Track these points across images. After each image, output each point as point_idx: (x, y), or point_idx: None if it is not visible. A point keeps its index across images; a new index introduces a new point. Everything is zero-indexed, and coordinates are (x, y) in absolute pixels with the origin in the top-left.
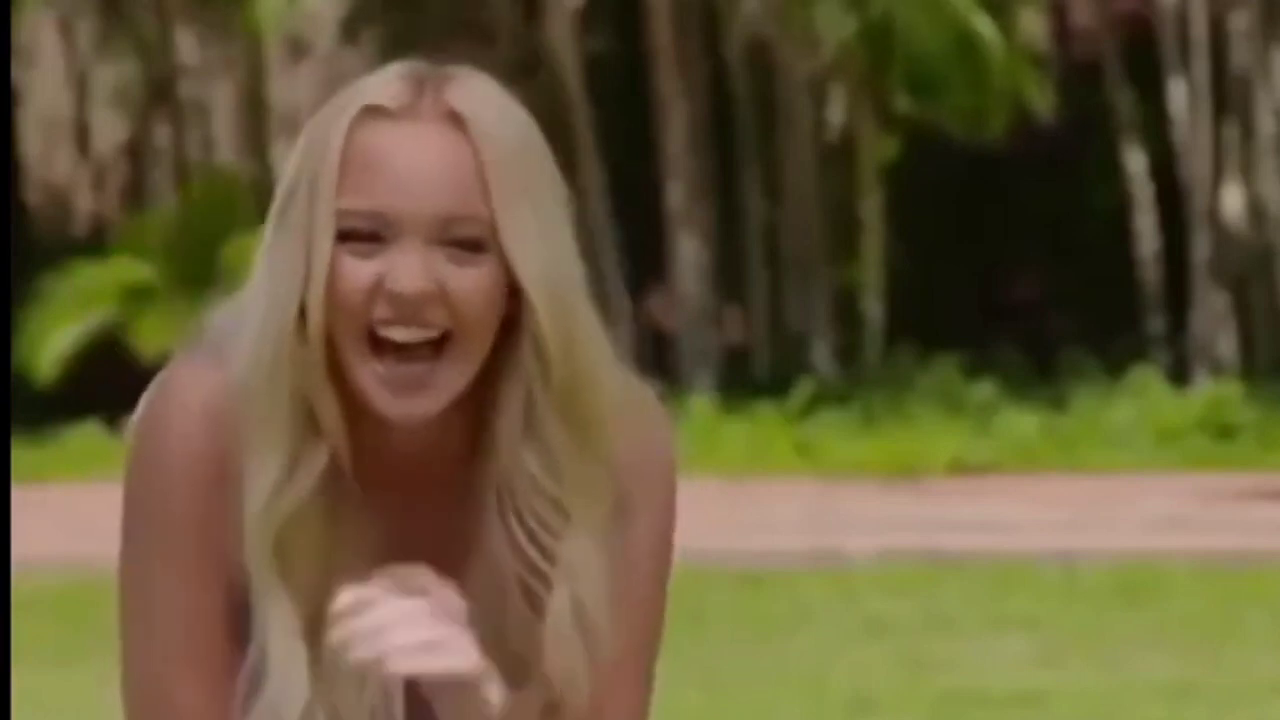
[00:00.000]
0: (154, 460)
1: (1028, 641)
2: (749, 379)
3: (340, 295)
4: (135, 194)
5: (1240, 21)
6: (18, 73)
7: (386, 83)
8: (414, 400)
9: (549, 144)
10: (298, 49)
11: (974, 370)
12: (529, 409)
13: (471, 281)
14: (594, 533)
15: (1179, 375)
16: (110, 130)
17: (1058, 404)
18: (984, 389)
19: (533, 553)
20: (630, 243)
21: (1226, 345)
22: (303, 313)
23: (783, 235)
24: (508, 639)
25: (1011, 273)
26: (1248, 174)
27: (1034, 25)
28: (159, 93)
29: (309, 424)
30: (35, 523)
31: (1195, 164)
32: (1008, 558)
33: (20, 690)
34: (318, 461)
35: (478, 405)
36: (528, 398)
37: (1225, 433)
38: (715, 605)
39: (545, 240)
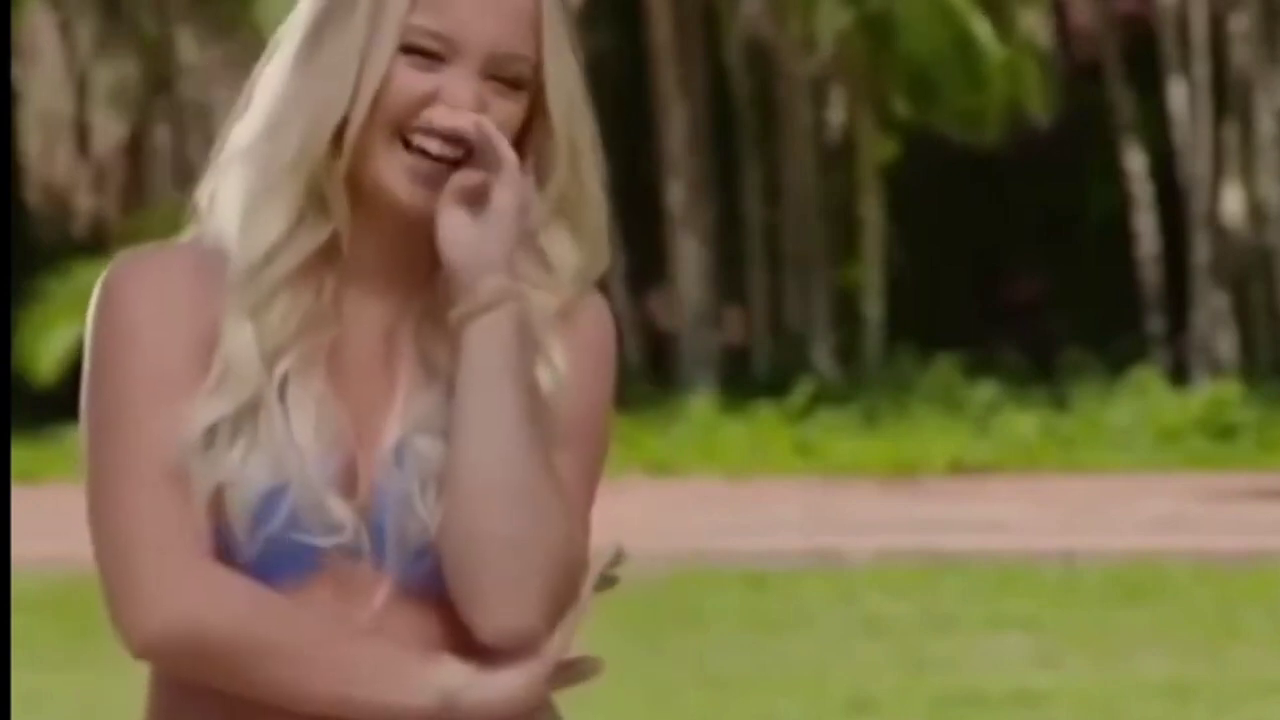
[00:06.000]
0: (118, 308)
1: (1027, 641)
2: (749, 379)
3: (390, 101)
4: (135, 194)
5: (1240, 22)
6: (18, 72)
7: None
8: (433, 194)
9: None
10: None
11: (974, 370)
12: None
13: (507, 111)
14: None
15: (1179, 375)
16: (110, 130)
17: (1058, 404)
18: (984, 389)
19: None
20: (630, 243)
21: (1226, 345)
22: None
23: (783, 235)
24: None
25: (1011, 273)
26: (1248, 174)
27: (1035, 26)
28: (159, 93)
29: (317, 205)
30: (35, 523)
31: (1195, 164)
32: (1007, 558)
33: (20, 690)
34: (320, 234)
35: None
36: None
37: (1225, 433)
38: (715, 605)
39: (576, 86)
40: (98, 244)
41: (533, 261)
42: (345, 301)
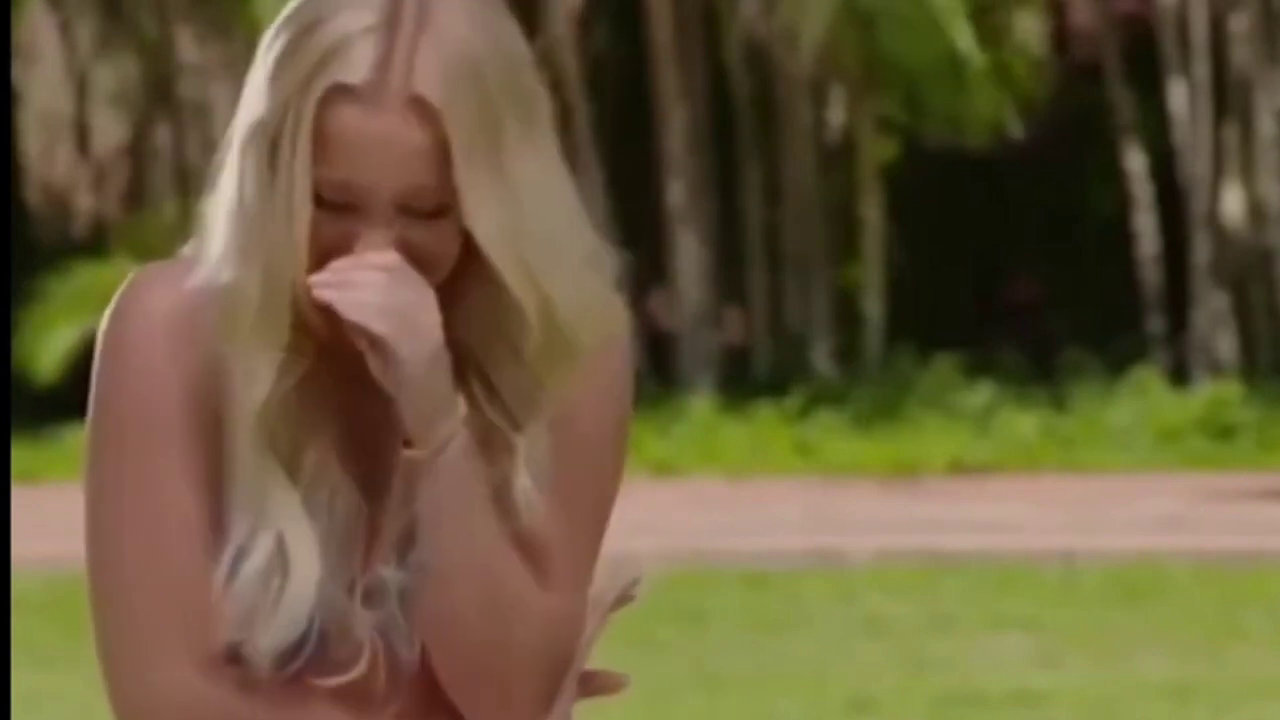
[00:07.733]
0: (123, 361)
1: (1027, 641)
2: (749, 379)
3: (314, 251)
4: (135, 194)
5: (1240, 22)
6: (18, 73)
7: (354, 52)
8: None
9: None
10: None
11: (974, 371)
12: (502, 317)
13: (434, 236)
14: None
15: (1179, 375)
16: (110, 130)
17: (1058, 404)
18: (984, 389)
19: (494, 414)
20: (630, 243)
21: (1226, 345)
22: None
23: (783, 235)
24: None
25: (1011, 273)
26: (1248, 175)
27: (1028, 31)
28: (159, 93)
29: (295, 329)
30: (35, 523)
31: (1195, 164)
32: (1008, 558)
33: (20, 691)
34: (308, 346)
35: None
36: (499, 311)
37: (1225, 433)
38: (715, 605)
39: (508, 205)
40: (98, 244)
41: (508, 356)
42: (345, 394)
